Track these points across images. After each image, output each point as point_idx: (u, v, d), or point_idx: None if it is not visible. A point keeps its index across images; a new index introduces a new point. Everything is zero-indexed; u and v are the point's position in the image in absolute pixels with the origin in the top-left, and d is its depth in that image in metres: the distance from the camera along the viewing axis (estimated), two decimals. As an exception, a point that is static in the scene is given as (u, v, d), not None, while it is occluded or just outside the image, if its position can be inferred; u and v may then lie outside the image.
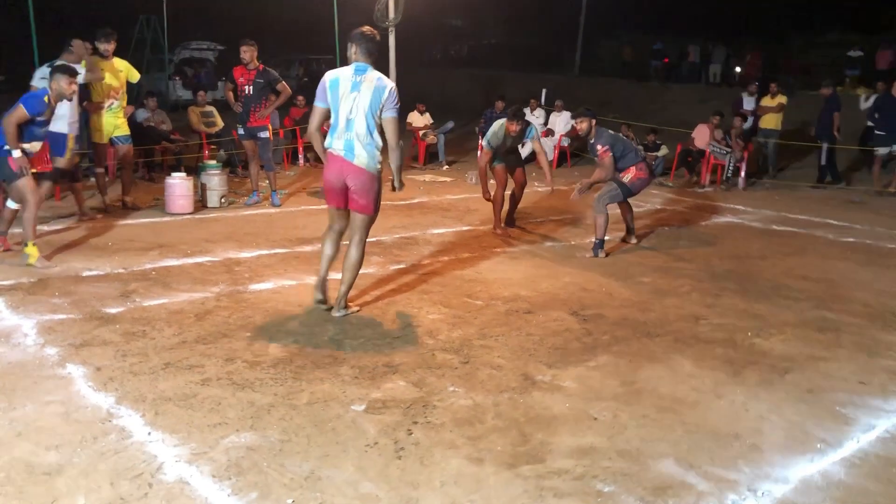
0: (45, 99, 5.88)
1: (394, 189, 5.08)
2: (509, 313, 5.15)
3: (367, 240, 5.00)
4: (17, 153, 5.69)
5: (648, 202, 9.95)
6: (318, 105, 4.76)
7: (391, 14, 11.75)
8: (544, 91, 14.77)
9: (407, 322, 4.87)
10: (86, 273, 5.64)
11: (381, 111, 4.66)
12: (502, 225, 7.82)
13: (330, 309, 4.96)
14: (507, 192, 7.95)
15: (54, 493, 2.82)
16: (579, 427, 3.53)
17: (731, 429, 3.56)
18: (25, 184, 5.79)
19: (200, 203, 8.41)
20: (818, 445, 3.45)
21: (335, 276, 5.05)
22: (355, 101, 4.63)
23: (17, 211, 6.09)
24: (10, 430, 3.27)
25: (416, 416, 3.56)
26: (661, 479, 3.09)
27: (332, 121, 4.73)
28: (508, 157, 7.83)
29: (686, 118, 14.56)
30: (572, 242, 7.48)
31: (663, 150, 12.67)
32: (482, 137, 8.18)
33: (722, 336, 4.85)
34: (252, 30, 13.78)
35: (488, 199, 7.69)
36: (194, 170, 9.22)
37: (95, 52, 7.99)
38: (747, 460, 3.28)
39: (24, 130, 5.81)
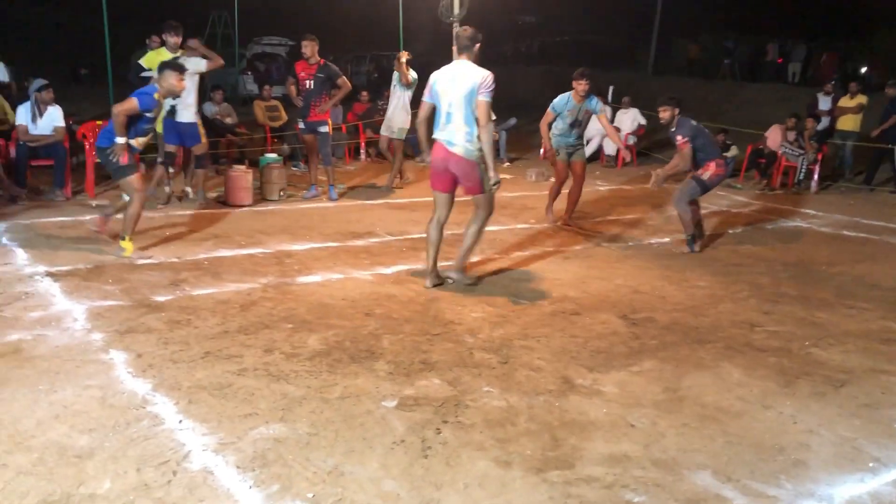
0: (156, 96, 5.87)
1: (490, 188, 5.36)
2: (555, 314, 5.04)
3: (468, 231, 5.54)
4: (121, 140, 5.68)
5: (714, 203, 9.65)
6: (425, 100, 5.37)
7: (455, 10, 11.72)
8: (611, 88, 14.50)
9: (449, 319, 4.81)
10: (140, 261, 5.76)
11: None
12: (550, 216, 7.98)
13: (439, 284, 5.51)
14: (566, 190, 7.89)
15: (82, 476, 2.86)
16: (615, 434, 3.41)
17: (775, 442, 3.39)
18: (133, 181, 5.86)
19: (260, 195, 8.54)
20: (870, 464, 3.25)
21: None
22: (453, 95, 5.15)
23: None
24: (49, 411, 3.35)
25: (446, 415, 3.50)
26: (694, 492, 2.96)
27: (437, 114, 5.29)
28: (570, 137, 7.76)
29: (762, 118, 14.07)
30: (629, 244, 7.30)
31: (733, 151, 12.27)
32: None
33: (777, 344, 4.64)
34: (322, 26, 13.96)
35: (544, 158, 8.08)
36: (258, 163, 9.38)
37: (163, 44, 8.21)
38: (790, 476, 3.11)
39: (132, 126, 5.80)
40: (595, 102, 7.67)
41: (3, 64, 10.97)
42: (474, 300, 5.24)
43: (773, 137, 11.82)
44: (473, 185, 5.31)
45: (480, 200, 5.40)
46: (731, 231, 8.10)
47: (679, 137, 6.78)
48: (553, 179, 8.18)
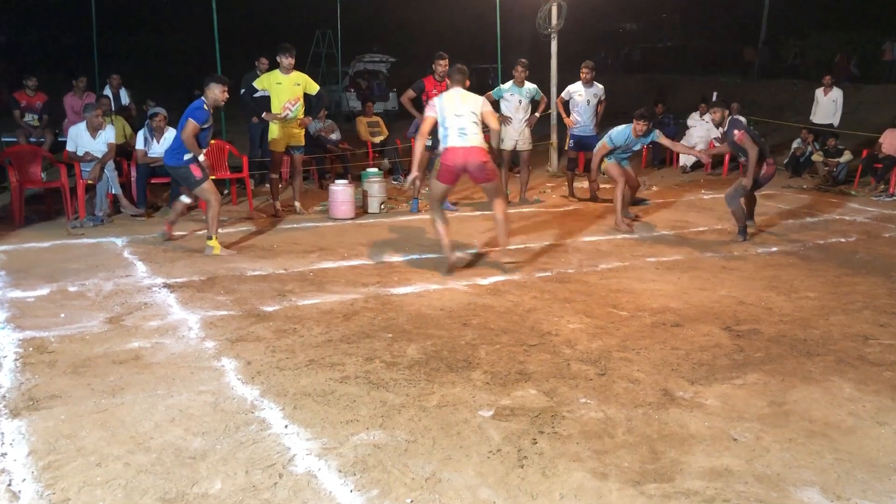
0: (205, 107, 6.62)
1: None
2: (655, 326, 4.97)
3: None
4: (201, 158, 6.66)
5: (826, 212, 9.27)
6: None
7: (553, 21, 11.72)
8: (715, 94, 14.13)
9: (545, 330, 4.82)
10: (250, 273, 6.03)
11: None
12: (623, 218, 8.19)
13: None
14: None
15: (196, 476, 3.03)
16: (716, 448, 3.33)
17: (890, 460, 3.23)
18: (208, 187, 6.64)
19: (361, 209, 8.77)
20: None
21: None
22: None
23: (188, 206, 6.97)
24: (166, 415, 3.56)
25: (543, 425, 3.51)
26: (801, 510, 2.86)
27: None
28: (623, 156, 8.38)
29: (878, 121, 13.41)
30: (735, 253, 7.09)
31: (846, 156, 11.76)
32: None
33: (893, 358, 4.42)
34: (420, 41, 14.21)
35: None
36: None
37: (276, 65, 8.55)
38: (907, 496, 2.96)
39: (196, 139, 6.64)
40: (653, 134, 8.23)
41: (124, 88, 11.68)
42: (572, 311, 5.22)
43: (890, 141, 11.24)
44: None
45: None
46: (844, 239, 7.75)
47: (736, 131, 7.35)
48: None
